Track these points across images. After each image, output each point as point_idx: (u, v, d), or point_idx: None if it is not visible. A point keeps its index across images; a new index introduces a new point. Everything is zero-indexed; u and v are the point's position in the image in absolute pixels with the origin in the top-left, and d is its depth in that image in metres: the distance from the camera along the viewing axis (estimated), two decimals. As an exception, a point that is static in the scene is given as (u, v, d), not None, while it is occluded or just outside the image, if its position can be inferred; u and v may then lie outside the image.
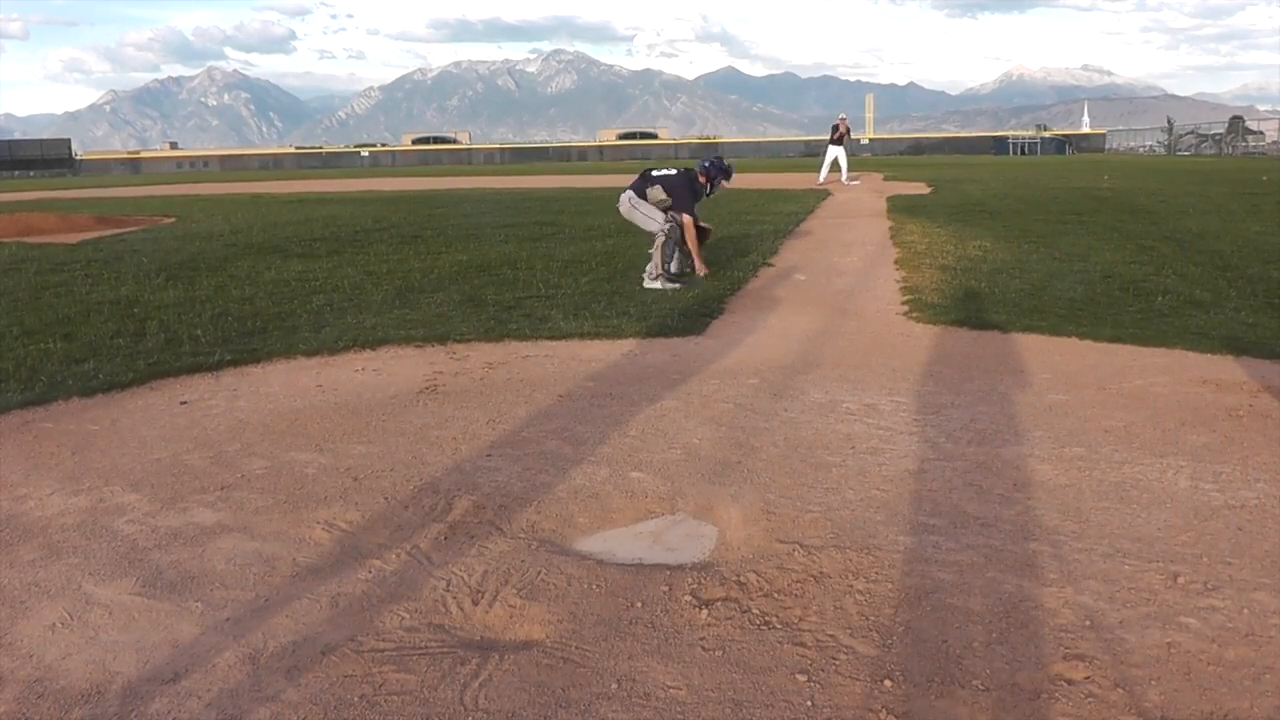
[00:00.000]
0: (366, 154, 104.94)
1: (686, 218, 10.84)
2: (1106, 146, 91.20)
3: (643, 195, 11.17)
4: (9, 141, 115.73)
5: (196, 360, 7.39)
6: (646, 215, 11.07)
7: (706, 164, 11.39)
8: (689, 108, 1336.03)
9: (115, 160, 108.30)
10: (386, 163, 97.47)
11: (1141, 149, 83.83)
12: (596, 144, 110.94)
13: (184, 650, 3.26)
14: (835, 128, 32.63)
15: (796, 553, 3.91)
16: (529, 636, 3.33)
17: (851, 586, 3.62)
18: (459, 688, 3.00)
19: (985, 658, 3.09)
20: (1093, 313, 8.63)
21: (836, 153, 32.22)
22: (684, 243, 11.13)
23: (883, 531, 4.10)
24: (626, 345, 7.84)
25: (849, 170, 32.96)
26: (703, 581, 3.68)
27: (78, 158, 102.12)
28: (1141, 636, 3.20)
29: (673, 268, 10.74)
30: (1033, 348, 7.43)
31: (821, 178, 32.57)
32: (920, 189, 28.19)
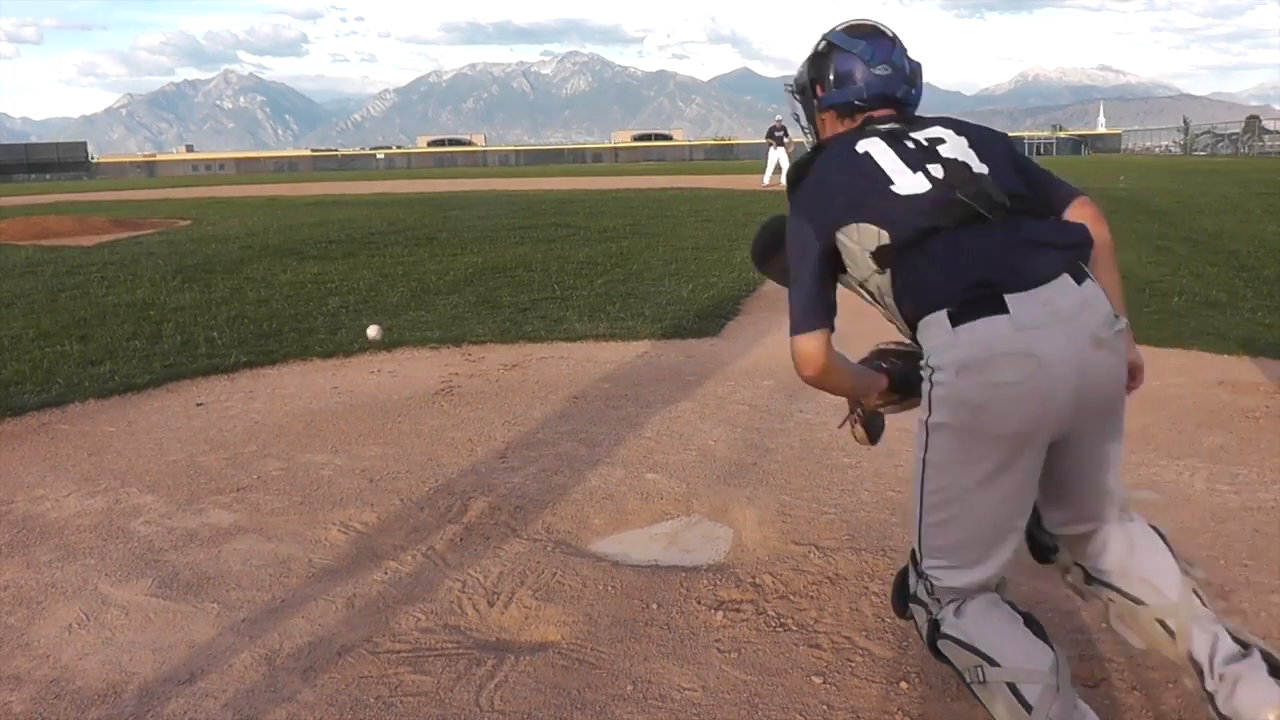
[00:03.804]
0: (382, 156, 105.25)
1: None
2: (1122, 147, 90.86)
3: None
4: (26, 145, 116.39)
5: (212, 362, 7.42)
6: None
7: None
8: (704, 109, 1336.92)
9: (131, 163, 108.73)
10: (402, 165, 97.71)
11: (1157, 149, 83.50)
12: (611, 146, 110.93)
13: (200, 651, 3.28)
14: (772, 129, 31.68)
15: (812, 554, 3.90)
16: (544, 638, 3.34)
17: (867, 588, 3.61)
18: (475, 689, 3.00)
19: (1001, 660, 3.08)
20: (1109, 314, 8.59)
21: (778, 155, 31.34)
22: None
23: (898, 533, 4.08)
24: (641, 347, 7.84)
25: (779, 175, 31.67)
26: (718, 583, 3.67)
27: (94, 161, 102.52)
28: (1159, 639, 3.18)
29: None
30: (1048, 349, 7.40)
31: (769, 180, 31.52)
32: (935, 190, 28.08)
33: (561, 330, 8.41)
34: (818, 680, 3.00)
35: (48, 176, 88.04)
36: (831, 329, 2.53)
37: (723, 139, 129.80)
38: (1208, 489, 4.51)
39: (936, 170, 2.48)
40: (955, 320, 2.33)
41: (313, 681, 3.07)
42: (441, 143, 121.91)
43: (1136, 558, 2.61)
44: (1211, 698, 2.43)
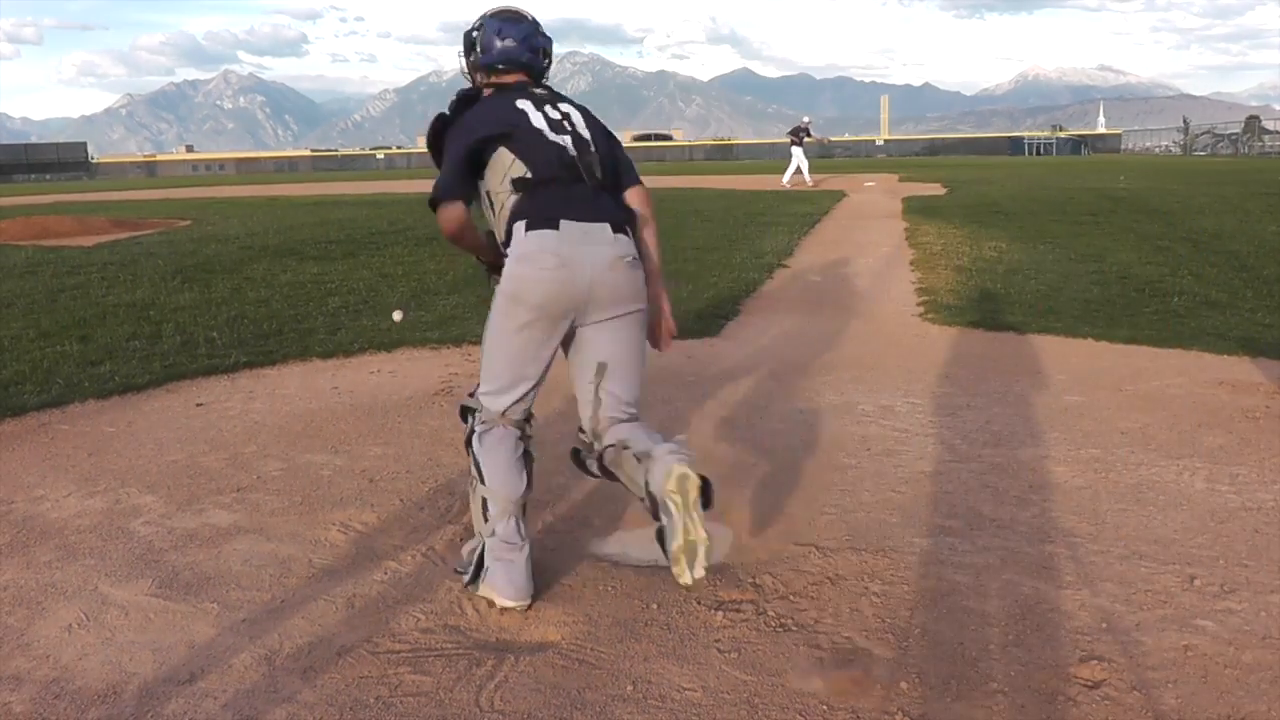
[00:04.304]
0: (382, 156, 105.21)
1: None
2: (1122, 147, 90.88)
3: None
4: (26, 145, 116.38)
5: (212, 362, 7.42)
6: None
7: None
8: (704, 109, 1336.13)
9: (131, 163, 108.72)
10: (402, 165, 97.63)
11: (1157, 149, 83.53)
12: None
13: (200, 651, 3.28)
14: (796, 129, 32.37)
15: (812, 555, 3.90)
16: (544, 638, 3.34)
17: (867, 589, 3.61)
18: (475, 689, 3.00)
19: (1002, 660, 3.09)
20: (1109, 314, 8.60)
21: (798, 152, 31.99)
22: None
23: (898, 534, 4.09)
24: (641, 347, 7.82)
25: (801, 174, 32.36)
26: (718, 583, 3.67)
27: (94, 161, 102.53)
28: (1158, 639, 3.18)
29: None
30: (1049, 349, 7.41)
31: (789, 179, 32.13)
32: (935, 190, 28.13)
33: (561, 330, 8.40)
34: (818, 680, 2.99)
35: (48, 177, 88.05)
36: (467, 202, 3.56)
37: (723, 139, 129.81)
38: (1208, 489, 4.51)
39: (571, 138, 3.62)
40: (528, 229, 3.49)
41: (313, 682, 3.07)
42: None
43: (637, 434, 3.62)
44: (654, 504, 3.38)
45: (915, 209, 20.87)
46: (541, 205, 3.51)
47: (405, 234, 17.23)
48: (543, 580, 3.72)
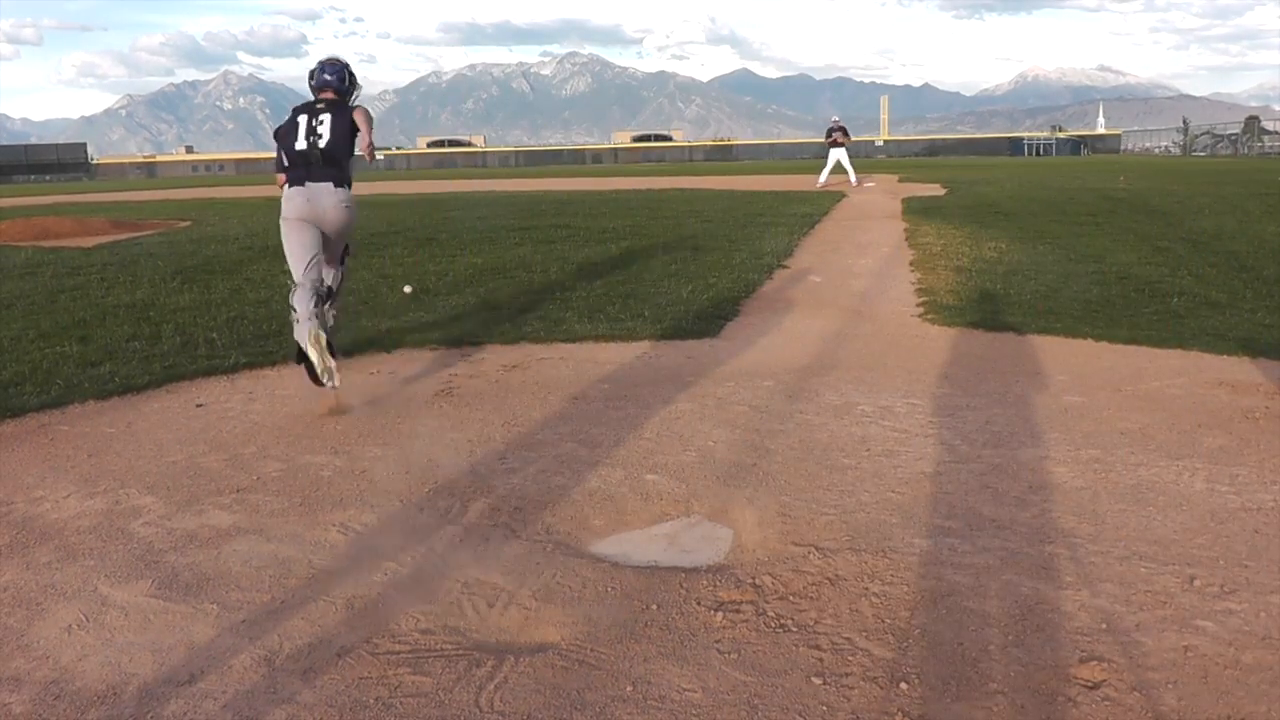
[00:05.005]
0: (381, 157, 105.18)
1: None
2: (1122, 147, 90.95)
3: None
4: (25, 146, 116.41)
5: (212, 363, 7.42)
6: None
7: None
8: (703, 110, 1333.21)
9: (131, 164, 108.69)
10: (401, 166, 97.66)
11: (1157, 149, 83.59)
12: (611, 146, 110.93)
13: (200, 652, 3.28)
14: (830, 131, 31.95)
15: (812, 555, 3.90)
16: (544, 639, 3.34)
17: (867, 589, 3.61)
18: (474, 690, 3.00)
19: (1002, 661, 3.08)
20: (1108, 314, 8.60)
21: (839, 155, 31.58)
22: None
23: (898, 534, 4.09)
24: (641, 348, 7.84)
25: (844, 174, 31.93)
26: (718, 584, 3.67)
27: (93, 162, 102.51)
28: (1158, 639, 3.18)
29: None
30: (1048, 349, 7.41)
31: (854, 180, 31.78)
32: (935, 190, 28.12)
33: (561, 331, 8.41)
34: (817, 681, 2.99)
35: (47, 178, 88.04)
36: (283, 173, 6.33)
37: (722, 140, 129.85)
38: (1208, 489, 4.51)
39: (310, 139, 6.21)
40: (289, 186, 6.26)
41: (312, 682, 3.07)
42: (441, 143, 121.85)
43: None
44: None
45: (915, 209, 20.87)
46: (295, 175, 6.26)
47: (404, 234, 17.23)
48: (543, 581, 3.73)
